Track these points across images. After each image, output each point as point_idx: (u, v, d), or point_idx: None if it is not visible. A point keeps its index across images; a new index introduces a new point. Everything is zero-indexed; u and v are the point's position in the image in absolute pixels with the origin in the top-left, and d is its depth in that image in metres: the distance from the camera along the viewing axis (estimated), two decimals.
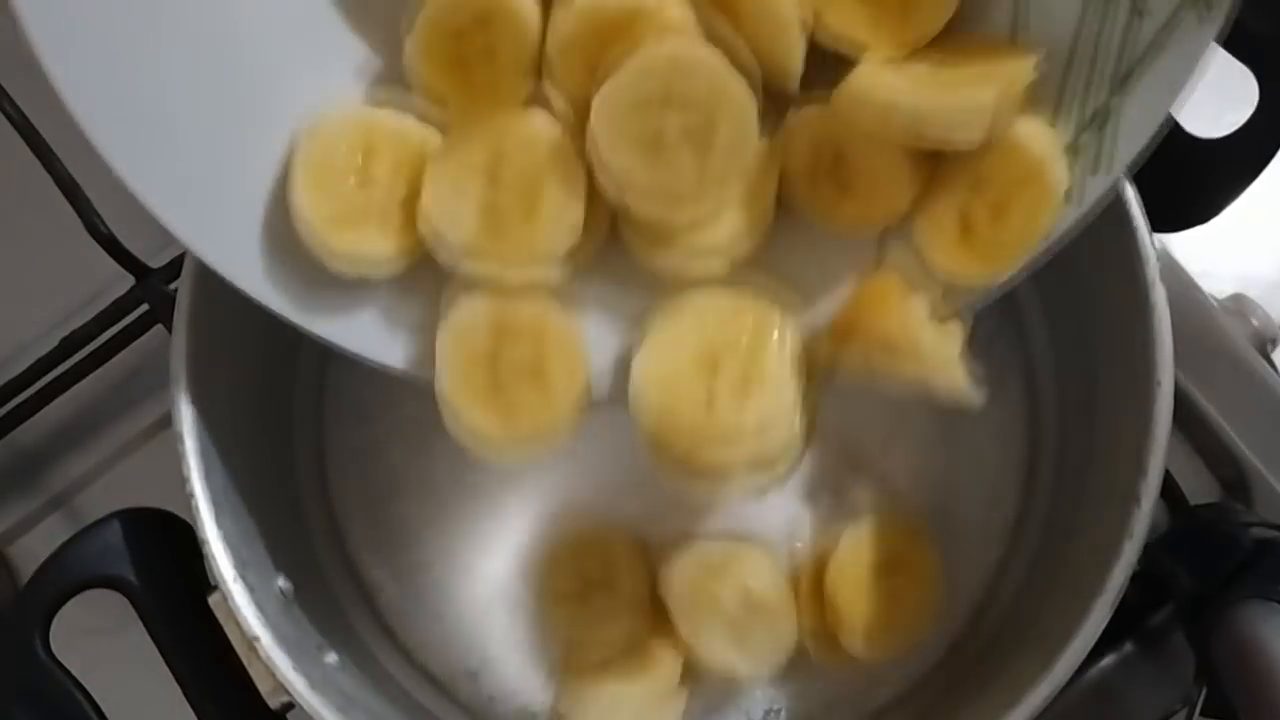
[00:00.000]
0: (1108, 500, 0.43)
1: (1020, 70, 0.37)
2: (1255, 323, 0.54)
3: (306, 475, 0.52)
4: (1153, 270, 0.43)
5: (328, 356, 0.53)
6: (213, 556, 0.43)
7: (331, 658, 0.47)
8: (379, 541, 0.52)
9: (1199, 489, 0.53)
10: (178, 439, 0.44)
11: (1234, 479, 0.54)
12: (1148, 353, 0.43)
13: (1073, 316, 0.50)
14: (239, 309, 0.47)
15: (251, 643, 0.43)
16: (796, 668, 0.50)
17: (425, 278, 0.41)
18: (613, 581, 0.50)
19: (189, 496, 0.44)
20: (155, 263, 0.56)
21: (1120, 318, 0.44)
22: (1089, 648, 0.41)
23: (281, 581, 0.47)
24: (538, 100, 0.40)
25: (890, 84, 0.38)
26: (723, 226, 0.40)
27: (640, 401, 0.40)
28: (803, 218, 0.41)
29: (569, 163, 0.39)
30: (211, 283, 0.45)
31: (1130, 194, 0.42)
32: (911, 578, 0.49)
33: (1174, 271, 0.52)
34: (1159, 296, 0.43)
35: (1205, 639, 0.46)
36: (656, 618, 0.50)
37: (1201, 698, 0.47)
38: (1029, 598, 0.50)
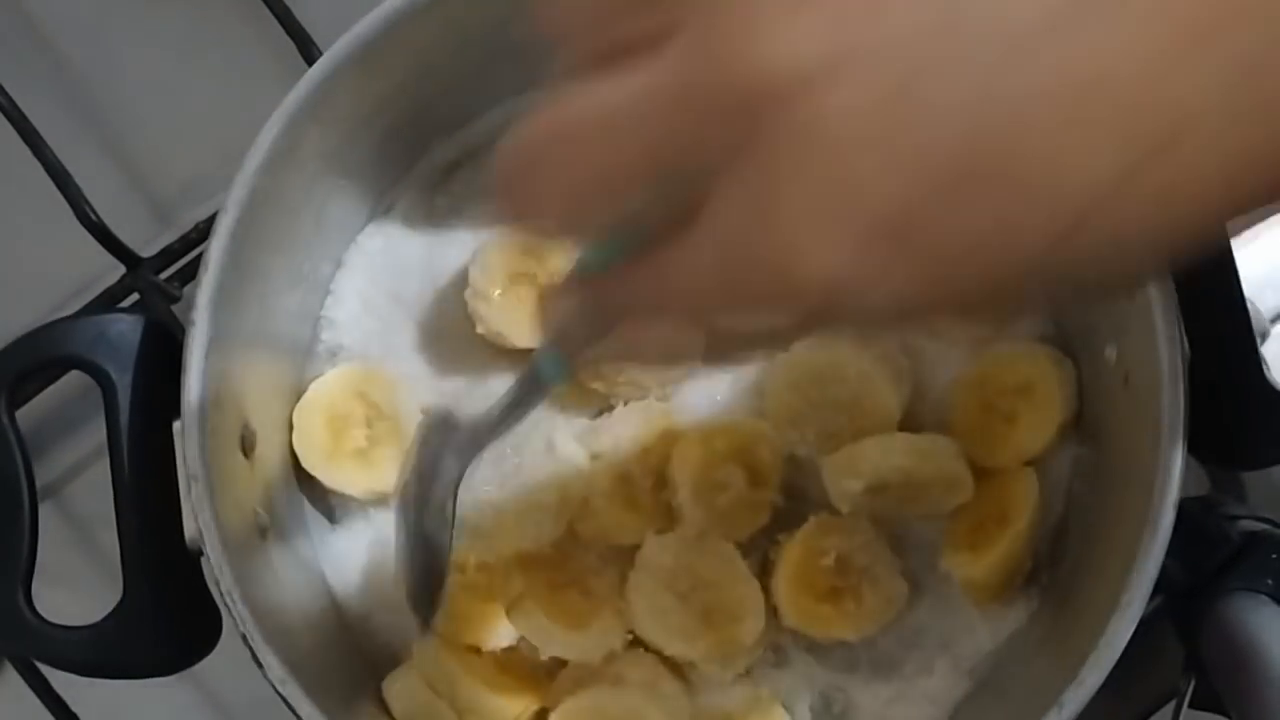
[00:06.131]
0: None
1: None
2: None
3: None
4: None
5: None
6: (188, 382, 0.43)
7: (263, 518, 0.47)
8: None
9: (1189, 482, 0.53)
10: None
11: (1223, 472, 0.54)
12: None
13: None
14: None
15: (190, 481, 0.43)
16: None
17: None
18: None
19: (189, 321, 0.43)
20: (146, 252, 0.56)
21: None
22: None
23: (246, 430, 0.47)
24: None
25: None
26: None
27: None
28: None
29: None
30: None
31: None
32: None
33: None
34: None
35: (1194, 631, 0.46)
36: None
37: (1190, 689, 0.47)
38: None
